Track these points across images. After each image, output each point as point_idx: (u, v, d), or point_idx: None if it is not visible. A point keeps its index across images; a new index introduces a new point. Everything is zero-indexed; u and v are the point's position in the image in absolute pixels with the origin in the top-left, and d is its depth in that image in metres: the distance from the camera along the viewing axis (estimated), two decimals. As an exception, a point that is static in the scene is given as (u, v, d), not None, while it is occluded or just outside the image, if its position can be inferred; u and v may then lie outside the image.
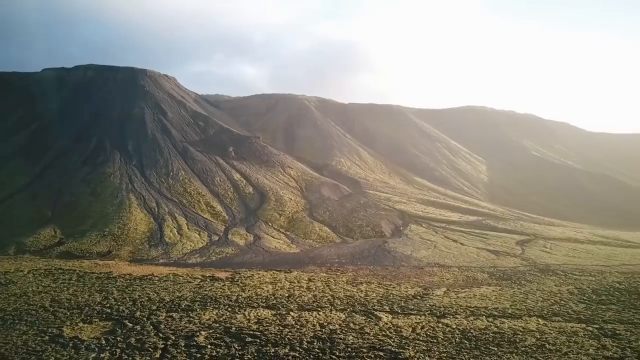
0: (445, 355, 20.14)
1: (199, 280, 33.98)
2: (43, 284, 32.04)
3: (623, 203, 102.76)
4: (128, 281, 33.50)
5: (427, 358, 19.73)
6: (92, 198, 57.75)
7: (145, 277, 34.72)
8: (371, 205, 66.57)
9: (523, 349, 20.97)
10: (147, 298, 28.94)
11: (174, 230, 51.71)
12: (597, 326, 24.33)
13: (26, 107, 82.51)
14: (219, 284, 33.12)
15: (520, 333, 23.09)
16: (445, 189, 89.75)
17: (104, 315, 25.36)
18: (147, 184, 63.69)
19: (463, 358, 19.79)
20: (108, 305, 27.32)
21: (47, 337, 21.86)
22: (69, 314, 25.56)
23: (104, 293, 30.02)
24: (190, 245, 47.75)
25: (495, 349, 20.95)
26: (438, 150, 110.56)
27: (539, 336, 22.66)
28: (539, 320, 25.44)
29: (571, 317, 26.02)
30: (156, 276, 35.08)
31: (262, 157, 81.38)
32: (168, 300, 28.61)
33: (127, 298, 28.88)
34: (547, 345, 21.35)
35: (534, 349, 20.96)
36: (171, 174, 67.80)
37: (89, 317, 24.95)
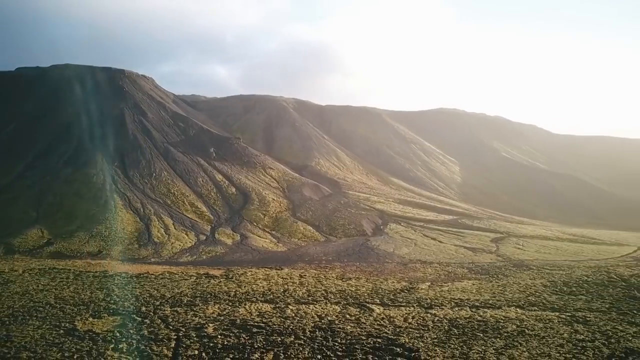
0: (436, 340, 22.17)
1: (195, 278, 35.27)
2: (42, 283, 32.82)
3: (587, 202, 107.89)
4: (125, 279, 34.56)
5: (421, 343, 21.71)
6: (77, 198, 58.03)
7: (142, 275, 35.81)
8: (351, 205, 68.65)
9: (505, 334, 23.17)
10: (148, 294, 30.15)
11: (161, 230, 52.61)
12: (569, 314, 26.78)
13: (2, 107, 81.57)
14: (215, 280, 34.51)
15: (502, 321, 25.32)
16: (421, 189, 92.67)
17: (111, 311, 26.52)
18: (130, 184, 64.21)
19: (453, 343, 21.85)
20: (112, 301, 28.45)
21: (62, 331, 22.97)
22: (76, 310, 26.61)
23: (105, 290, 31.07)
24: (180, 245, 48.81)
25: (481, 334, 23.10)
26: (413, 152, 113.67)
27: (518, 323, 24.92)
28: (518, 309, 27.76)
29: (546, 306, 28.47)
30: (152, 274, 36.20)
31: (243, 158, 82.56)
32: (169, 296, 29.91)
33: (129, 295, 30.03)
34: (526, 331, 23.60)
35: (515, 334, 23.18)
36: (154, 174, 68.41)
37: (97, 313, 26.08)
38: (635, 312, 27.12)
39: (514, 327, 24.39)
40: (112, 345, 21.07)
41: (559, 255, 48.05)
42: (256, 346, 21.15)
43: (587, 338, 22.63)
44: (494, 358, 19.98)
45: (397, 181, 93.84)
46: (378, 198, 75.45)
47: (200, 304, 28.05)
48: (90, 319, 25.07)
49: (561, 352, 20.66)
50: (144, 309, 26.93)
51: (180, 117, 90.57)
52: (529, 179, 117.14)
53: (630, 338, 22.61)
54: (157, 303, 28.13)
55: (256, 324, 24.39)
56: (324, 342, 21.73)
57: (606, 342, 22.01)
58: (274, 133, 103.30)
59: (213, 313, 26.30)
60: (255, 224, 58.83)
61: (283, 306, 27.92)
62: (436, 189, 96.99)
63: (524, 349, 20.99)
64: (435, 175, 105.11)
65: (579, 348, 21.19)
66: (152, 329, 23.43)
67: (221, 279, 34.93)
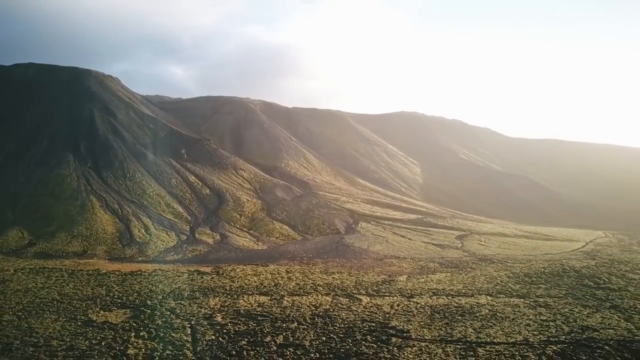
0: (422, 323, 25.23)
1: (187, 275, 37.11)
2: (39, 281, 33.88)
3: (538, 202, 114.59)
4: (120, 277, 36.01)
5: (409, 325, 24.71)
6: (53, 200, 58.17)
7: (135, 273, 37.33)
8: (322, 205, 71.40)
9: (480, 317, 26.48)
10: (148, 290, 31.91)
11: (142, 230, 53.71)
12: (532, 300, 30.47)
13: (-35, 107, 79.74)
14: (208, 277, 36.49)
15: (476, 306, 28.69)
16: (386, 189, 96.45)
17: (119, 304, 28.23)
18: (105, 185, 64.63)
19: (437, 324, 24.96)
20: (116, 296, 30.09)
21: (79, 322, 24.63)
22: (84, 304, 28.15)
23: (105, 287, 32.56)
24: (162, 244, 50.16)
25: (460, 317, 26.32)
26: (377, 154, 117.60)
27: (490, 308, 28.34)
28: (488, 297, 31.25)
29: (512, 294, 32.11)
30: (145, 272, 37.77)
31: (214, 159, 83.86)
32: (169, 291, 31.77)
33: (130, 290, 31.69)
34: (497, 314, 27.02)
35: (489, 317, 26.53)
36: (128, 175, 68.94)
37: (106, 306, 27.74)
38: (587, 297, 31.12)
39: (487, 311, 27.77)
40: (133, 334, 22.98)
41: (518, 251, 52.40)
42: (265, 331, 23.56)
43: (549, 318, 26.23)
44: (474, 335, 23.19)
45: (363, 182, 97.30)
46: (347, 198, 78.53)
47: (201, 297, 30.10)
48: (102, 311, 26.73)
49: (529, 330, 24.11)
50: (149, 302, 28.77)
51: (149, 119, 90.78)
52: (485, 180, 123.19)
53: (585, 317, 26.39)
54: (160, 297, 29.97)
55: (259, 313, 26.76)
56: (325, 327, 24.38)
57: (565, 321, 25.66)
58: (243, 134, 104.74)
59: (216, 305, 28.45)
60: (232, 223, 60.64)
61: (279, 298, 30.37)
62: (400, 189, 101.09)
63: (498, 328, 24.33)
64: (398, 176, 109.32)
65: (543, 327, 24.71)
66: (164, 319, 25.41)
67: (213, 275, 36.92)
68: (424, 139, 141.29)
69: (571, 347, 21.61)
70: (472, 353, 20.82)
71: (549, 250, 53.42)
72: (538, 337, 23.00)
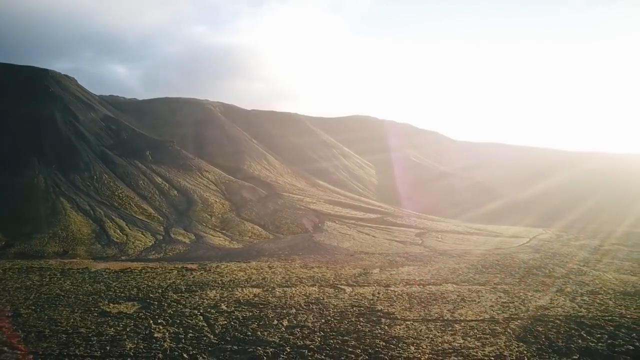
0: (403, 307, 29.02)
1: (176, 271, 39.35)
2: (34, 280, 35.20)
3: (483, 201, 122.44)
4: (112, 274, 37.79)
5: (393, 309, 28.43)
6: (23, 201, 58.27)
7: (125, 270, 39.16)
8: (288, 206, 74.57)
9: (451, 301, 30.59)
10: (146, 285, 34.06)
11: (117, 231, 54.96)
12: (491, 286, 35.03)
13: None
14: (197, 272, 38.90)
15: (445, 293, 32.82)
16: (345, 190, 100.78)
17: (124, 298, 30.34)
18: (73, 187, 65.00)
19: (416, 308, 28.81)
20: (117, 291, 32.09)
21: (96, 314, 26.69)
22: (90, 298, 30.05)
23: (102, 283, 34.38)
24: (141, 244, 51.74)
25: (434, 301, 30.34)
26: (334, 156, 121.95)
27: (457, 294, 32.57)
28: (453, 285, 35.54)
29: (473, 282, 36.61)
30: (134, 269, 39.65)
31: (178, 161, 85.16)
32: (166, 285, 34.04)
33: (128, 286, 33.73)
34: (465, 298, 31.24)
35: (458, 300, 30.69)
36: (95, 177, 69.43)
37: (113, 299, 29.81)
38: (537, 283, 36.07)
39: (455, 296, 31.96)
40: (151, 321, 25.39)
41: (472, 246, 57.64)
42: (270, 316, 26.59)
43: (508, 301, 30.73)
44: (449, 315, 27.21)
45: (323, 183, 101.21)
46: (310, 199, 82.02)
47: (198, 290, 32.64)
48: (111, 304, 28.81)
49: (494, 310, 28.42)
50: (151, 295, 31.05)
51: (111, 120, 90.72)
52: (435, 181, 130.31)
53: (537, 299, 31.07)
54: (160, 291, 32.27)
55: (258, 302, 29.71)
56: (321, 311, 27.68)
57: (522, 303, 30.20)
58: (204, 136, 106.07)
59: (215, 296, 31.11)
60: (204, 224, 62.71)
61: (270, 289, 33.37)
62: (357, 190, 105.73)
63: (468, 309, 28.50)
64: (355, 178, 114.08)
65: (504, 307, 29.11)
66: (173, 309, 27.88)
67: (201, 271, 39.35)
68: (377, 142, 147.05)
69: (529, 321, 25.96)
70: (450, 328, 24.75)
71: (499, 245, 59.01)
72: (502, 315, 27.29)
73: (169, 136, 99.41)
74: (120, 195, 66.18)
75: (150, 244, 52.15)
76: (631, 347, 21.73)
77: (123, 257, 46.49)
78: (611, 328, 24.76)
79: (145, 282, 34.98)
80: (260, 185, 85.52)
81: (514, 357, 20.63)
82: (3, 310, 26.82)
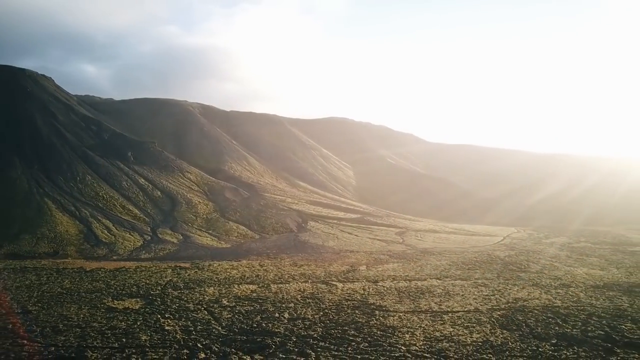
0: (394, 300, 31.02)
1: (171, 270, 40.46)
2: (32, 279, 35.87)
3: (456, 201, 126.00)
4: (108, 273, 38.68)
5: (384, 302, 30.38)
6: (6, 202, 58.13)
7: (120, 270, 40.07)
8: (271, 206, 75.99)
9: (437, 294, 32.77)
10: (144, 283, 35.16)
11: (105, 232, 55.48)
12: (472, 281, 37.40)
13: None
14: (191, 271, 40.10)
15: (431, 287, 34.99)
16: (324, 191, 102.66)
17: (126, 295, 31.46)
18: (57, 188, 65.01)
19: (405, 301, 30.85)
20: (118, 289, 33.13)
21: (103, 310, 27.81)
22: (93, 296, 31.06)
23: (101, 281, 35.33)
24: (130, 244, 52.46)
25: (421, 295, 32.46)
26: (314, 158, 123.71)
27: (442, 288, 34.78)
28: (437, 280, 37.77)
29: (455, 277, 38.93)
30: (128, 268, 40.60)
31: (160, 162, 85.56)
32: (164, 283, 35.22)
33: (127, 284, 34.77)
34: (449, 292, 33.46)
35: (444, 294, 32.89)
36: (78, 178, 69.48)
37: (116, 296, 30.90)
38: (514, 278, 38.63)
39: (440, 290, 34.17)
40: (158, 316, 26.70)
41: (451, 244, 60.24)
42: (270, 310, 28.21)
43: (489, 294, 33.08)
44: (437, 307, 29.33)
45: (303, 184, 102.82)
46: (292, 200, 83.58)
47: (197, 287, 33.96)
48: (116, 301, 29.92)
49: (477, 302, 30.69)
50: (152, 292, 32.25)
51: (91, 120, 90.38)
52: (411, 182, 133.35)
53: (516, 292, 33.51)
54: (160, 288, 33.48)
55: (257, 297, 31.27)
56: (318, 305, 29.44)
57: (501, 295, 32.59)
58: (184, 137, 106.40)
59: (214, 292, 32.51)
60: (189, 224, 63.60)
61: (265, 285, 34.93)
62: (336, 191, 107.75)
63: (454, 301, 30.70)
64: (334, 179, 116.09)
65: (486, 299, 31.42)
66: (177, 304, 29.20)
67: (195, 270, 40.57)
68: (354, 144, 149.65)
69: (510, 312, 28.27)
70: (439, 318, 26.84)
71: (475, 243, 61.80)
72: (485, 306, 29.56)
73: (149, 137, 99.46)
74: (104, 196, 66.43)
75: (139, 244, 52.89)
76: (602, 332, 24.18)
77: (114, 257, 47.19)
78: (584, 316, 27.26)
79: (143, 280, 36.06)
80: (241, 186, 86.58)
81: (500, 342, 22.81)
82: (11, 308, 27.69)
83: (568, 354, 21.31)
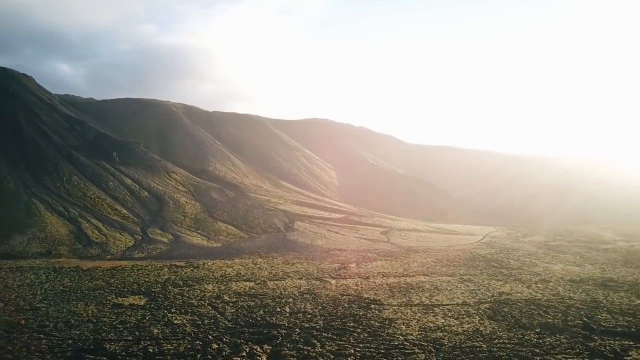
0: (386, 295, 32.72)
1: (167, 268, 41.41)
2: (31, 278, 36.42)
3: (436, 201, 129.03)
4: (106, 272, 39.44)
5: (378, 297, 32.05)
6: (-6, 203, 58.03)
7: (116, 268, 40.85)
8: (257, 207, 77.12)
9: (427, 289, 34.60)
10: (144, 281, 36.11)
11: (95, 231, 55.93)
12: (458, 277, 39.37)
13: None
14: (187, 269, 41.13)
15: (420, 283, 36.83)
16: (308, 191, 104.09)
17: (129, 292, 32.42)
18: (44, 188, 65.01)
19: (398, 295, 32.59)
20: (119, 286, 34.04)
21: (109, 306, 28.78)
22: (97, 293, 31.93)
23: (100, 280, 36.15)
24: (122, 244, 53.07)
25: (412, 290, 34.24)
26: (297, 158, 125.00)
27: (431, 284, 36.65)
28: (425, 276, 39.65)
29: (442, 273, 40.89)
30: (125, 267, 41.40)
31: (145, 162, 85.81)
32: (162, 281, 36.21)
33: (126, 282, 35.66)
34: (438, 287, 35.34)
35: (432, 289, 34.74)
36: (65, 178, 69.50)
37: (119, 294, 31.85)
38: (496, 274, 40.76)
39: (429, 285, 36.03)
40: (165, 311, 27.84)
41: (434, 243, 62.40)
42: (271, 304, 29.59)
43: (475, 288, 35.07)
44: (428, 300, 31.13)
45: (287, 185, 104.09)
46: (277, 200, 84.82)
47: (196, 284, 35.09)
48: (120, 298, 30.92)
49: (464, 296, 32.60)
50: (153, 289, 33.29)
51: (75, 121, 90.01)
52: (391, 182, 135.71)
53: (499, 287, 35.56)
54: (160, 286, 34.51)
55: (256, 293, 32.60)
56: (315, 300, 30.94)
57: (486, 289, 34.59)
58: (168, 138, 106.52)
59: (214, 289, 33.72)
60: (178, 224, 64.33)
61: (262, 282, 36.26)
62: (320, 191, 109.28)
63: (443, 296, 32.56)
64: (317, 179, 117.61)
65: (473, 293, 33.37)
66: (180, 300, 30.35)
67: (191, 268, 41.60)
68: (336, 145, 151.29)
69: (496, 304, 30.24)
70: (431, 311, 28.62)
71: (457, 242, 64.13)
72: (472, 299, 31.48)
73: (133, 137, 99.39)
74: (92, 196, 66.61)
75: (131, 243, 53.52)
76: (580, 322, 26.27)
77: (108, 257, 47.82)
78: (563, 308, 29.40)
79: (142, 278, 36.99)
80: (226, 186, 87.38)
81: (489, 332, 24.67)
82: (19, 305, 28.47)
83: (551, 341, 23.27)
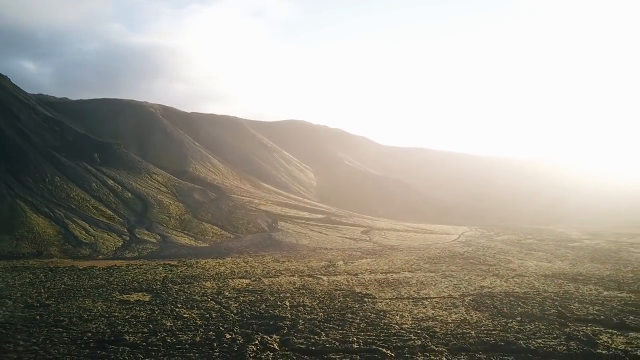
0: (377, 289, 34.90)
1: (162, 267, 42.66)
2: (29, 277, 37.24)
3: (411, 201, 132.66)
4: (102, 271, 40.48)
5: (370, 291, 34.20)
6: (-22, 204, 57.87)
7: (112, 268, 41.87)
8: (240, 207, 78.51)
9: (414, 284, 36.94)
10: (143, 279, 37.37)
11: (83, 232, 56.46)
12: (441, 273, 41.91)
13: None
14: (181, 268, 42.46)
15: (406, 279, 39.15)
16: (288, 192, 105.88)
17: (132, 289, 33.69)
18: (28, 189, 64.93)
19: (388, 290, 34.80)
20: (120, 284, 35.25)
21: (117, 302, 30.08)
22: (100, 290, 33.11)
23: (100, 278, 37.23)
24: (111, 244, 53.81)
25: (400, 285, 36.51)
26: (275, 160, 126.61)
27: (417, 279, 39.02)
28: (410, 273, 42.04)
29: (426, 270, 43.37)
30: (120, 267, 42.48)
31: (127, 163, 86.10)
32: (161, 279, 37.56)
33: (125, 280, 36.87)
34: (423, 282, 37.72)
35: (419, 284, 37.10)
36: (47, 179, 69.45)
37: (123, 291, 33.10)
38: (476, 270, 43.49)
39: (415, 281, 38.40)
40: (172, 306, 29.32)
41: (413, 242, 65.09)
42: (272, 299, 31.39)
43: (458, 283, 37.60)
44: (416, 294, 33.45)
45: (267, 186, 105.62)
46: (259, 201, 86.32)
47: (194, 282, 36.56)
48: (125, 295, 32.19)
49: (449, 290, 35.05)
50: (154, 287, 34.63)
51: (54, 121, 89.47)
52: (368, 183, 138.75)
53: (480, 281, 38.22)
54: (159, 283, 35.87)
55: (254, 289, 34.31)
56: (312, 294, 32.89)
57: (468, 284, 37.15)
58: (147, 139, 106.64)
59: (213, 286, 35.28)
60: (164, 225, 65.21)
61: (258, 279, 37.99)
62: (299, 192, 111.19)
63: (430, 290, 34.95)
64: (296, 180, 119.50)
65: (457, 287, 35.85)
66: (184, 297, 31.84)
67: (184, 267, 42.96)
68: (313, 146, 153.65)
69: (479, 297, 32.76)
70: (420, 303, 30.91)
71: (435, 241, 67.02)
72: (456, 293, 33.93)
73: (112, 138, 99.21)
74: (76, 197, 66.81)
75: (120, 244, 54.29)
76: (555, 311, 28.95)
77: (100, 257, 48.60)
78: (540, 299, 32.11)
79: (139, 276, 38.22)
80: (207, 187, 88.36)
81: (475, 320, 27.08)
82: (27, 302, 29.48)
83: (531, 327, 25.79)
